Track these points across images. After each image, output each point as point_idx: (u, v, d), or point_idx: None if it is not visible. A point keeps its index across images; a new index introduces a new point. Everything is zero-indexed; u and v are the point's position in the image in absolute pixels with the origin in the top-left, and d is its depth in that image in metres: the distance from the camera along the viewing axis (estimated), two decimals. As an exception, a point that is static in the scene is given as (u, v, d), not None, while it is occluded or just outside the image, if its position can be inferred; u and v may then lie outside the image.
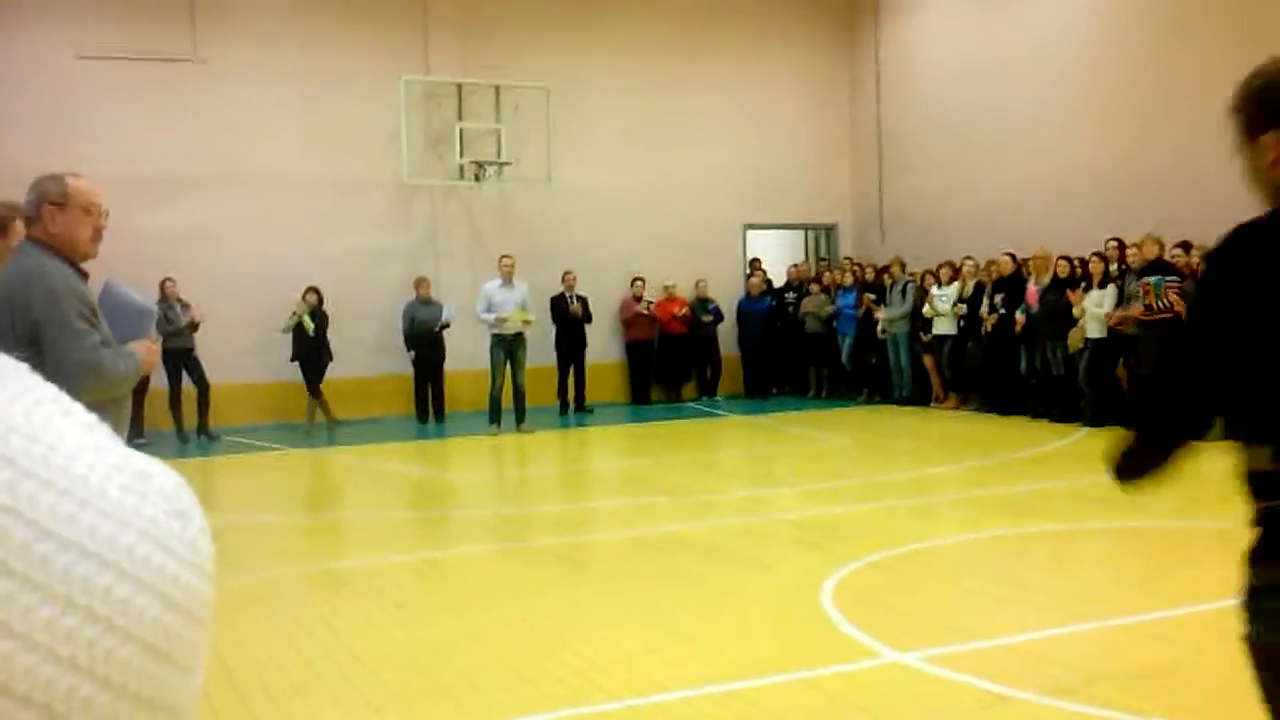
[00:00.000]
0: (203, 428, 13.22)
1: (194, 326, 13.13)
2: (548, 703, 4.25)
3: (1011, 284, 13.01)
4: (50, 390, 0.51)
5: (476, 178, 15.08)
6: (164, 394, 12.93)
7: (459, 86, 15.25)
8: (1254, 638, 1.92)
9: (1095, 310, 11.77)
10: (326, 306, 13.93)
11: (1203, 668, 4.49)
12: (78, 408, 0.51)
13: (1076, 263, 12.34)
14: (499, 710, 4.18)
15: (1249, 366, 1.94)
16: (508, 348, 12.99)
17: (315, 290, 13.79)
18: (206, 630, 0.52)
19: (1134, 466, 2.12)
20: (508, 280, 13.01)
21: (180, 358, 13.03)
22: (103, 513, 0.49)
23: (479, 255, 15.42)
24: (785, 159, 17.47)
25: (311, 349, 13.69)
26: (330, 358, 13.85)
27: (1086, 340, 11.92)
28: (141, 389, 11.94)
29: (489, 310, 12.86)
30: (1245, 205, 2.07)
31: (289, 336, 13.65)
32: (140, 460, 0.52)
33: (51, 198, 3.56)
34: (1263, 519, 1.93)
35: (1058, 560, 6.64)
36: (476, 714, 4.15)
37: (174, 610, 0.49)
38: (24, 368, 0.51)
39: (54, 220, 3.54)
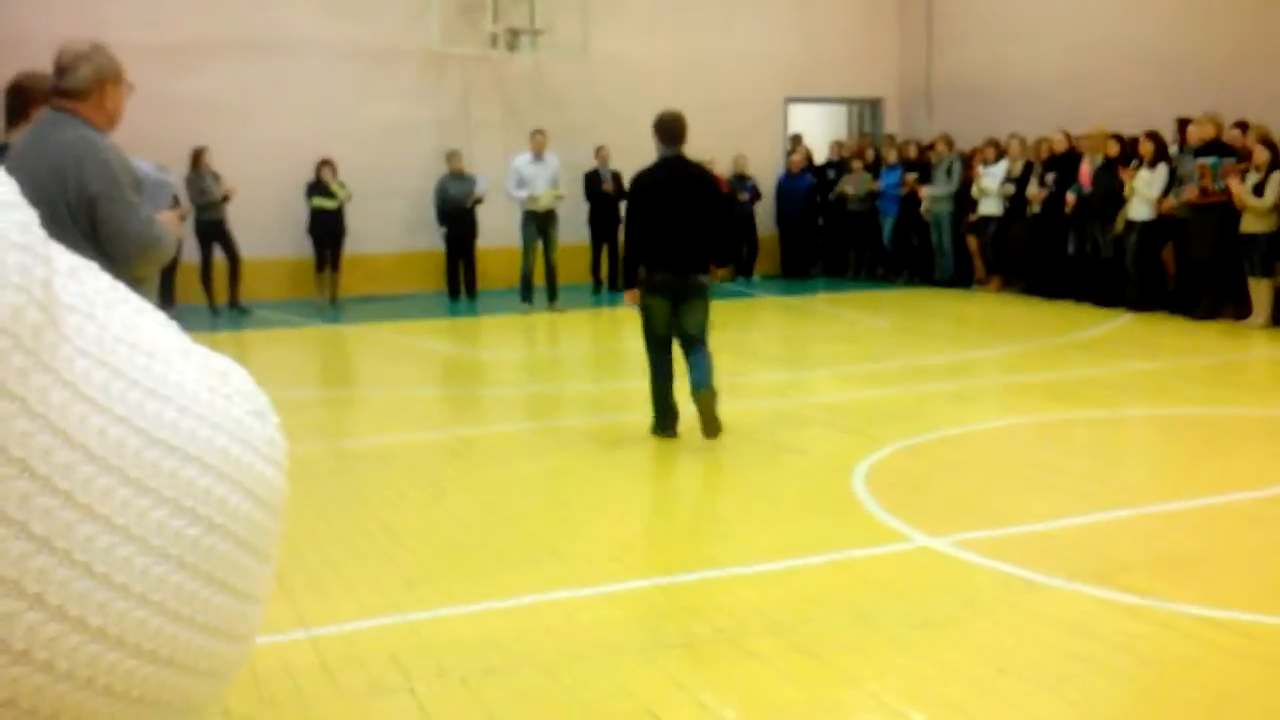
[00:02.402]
0: (234, 301, 13.39)
1: (226, 199, 13.21)
2: (578, 579, 4.39)
3: (1063, 163, 12.80)
4: (123, 289, 0.56)
5: (510, 47, 14.87)
6: (194, 267, 13.06)
7: (491, -50, 14.95)
8: None
9: (1145, 191, 11.58)
10: (356, 181, 13.96)
11: (1237, 556, 4.56)
12: (148, 306, 0.56)
13: (1130, 142, 12.10)
14: (530, 586, 4.32)
15: None
16: (539, 224, 12.99)
17: (329, 163, 13.80)
18: (283, 521, 0.58)
19: None
20: (539, 155, 12.94)
21: (212, 229, 13.14)
22: (199, 417, 0.53)
23: (512, 128, 15.29)
24: (830, 29, 17.09)
25: (331, 224, 13.79)
26: (345, 232, 13.95)
27: (1129, 222, 11.76)
28: (173, 262, 12.07)
29: (520, 186, 12.83)
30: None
31: (307, 212, 13.75)
32: (217, 360, 0.57)
33: (113, 75, 3.56)
34: None
35: (1096, 447, 6.69)
36: (508, 590, 4.29)
37: (261, 506, 0.55)
38: (94, 267, 0.56)
39: (112, 98, 3.55)
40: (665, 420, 6.87)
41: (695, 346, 6.63)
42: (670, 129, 6.62)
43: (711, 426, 6.48)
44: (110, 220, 3.37)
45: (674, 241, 6.52)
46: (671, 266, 6.55)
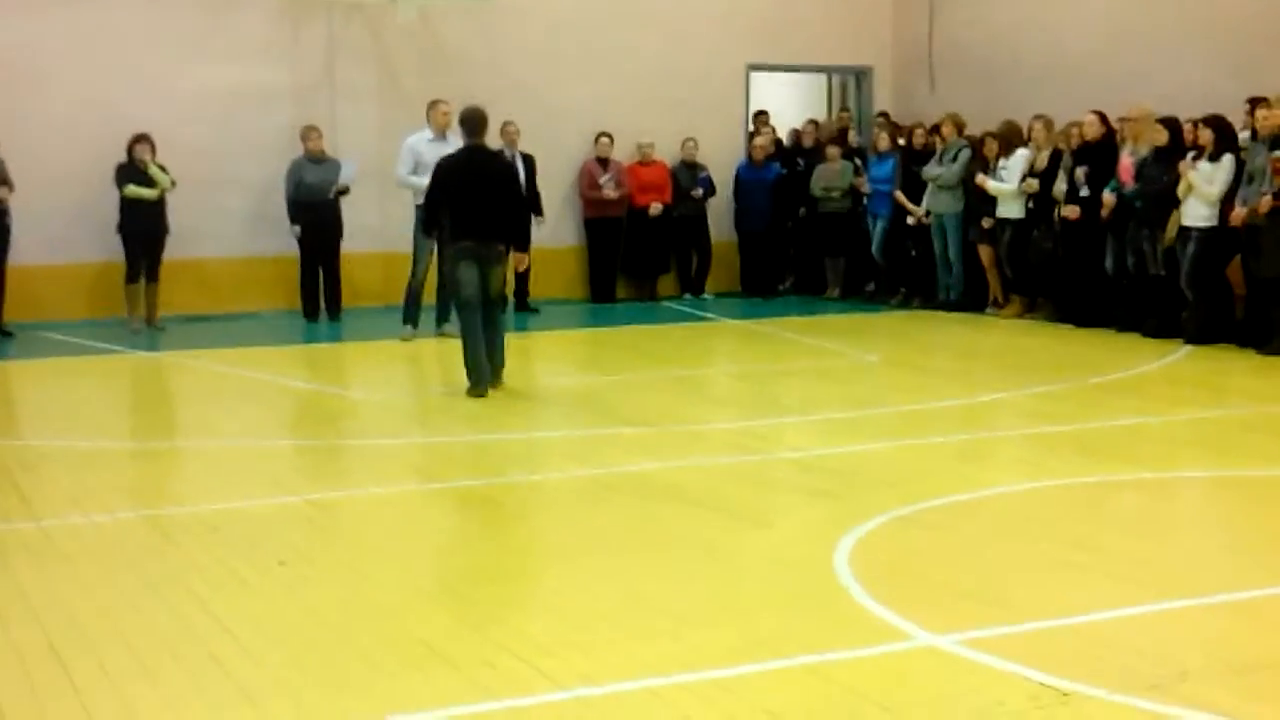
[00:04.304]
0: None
1: (6, 185, 12.98)
2: (475, 692, 4.33)
3: (1099, 153, 13.01)
4: None
5: (389, -8, 14.89)
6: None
7: None
8: None
9: (1205, 191, 11.82)
10: (181, 165, 13.81)
11: (1324, 660, 4.61)
12: None
13: (1185, 128, 12.32)
14: (411, 700, 4.25)
15: None
16: (438, 225, 13.00)
17: (147, 139, 13.64)
18: None
19: None
20: (441, 134, 12.85)
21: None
22: None
23: (391, 97, 15.26)
24: (804, -22, 17.30)
25: (149, 220, 13.62)
26: (168, 232, 13.81)
27: (1183, 230, 11.97)
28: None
29: (417, 173, 12.70)
30: None
31: (116, 204, 13.58)
32: None
33: None
34: None
35: (1143, 518, 6.75)
36: (382, 705, 4.22)
37: None
38: None
39: None
40: (480, 379, 9.87)
41: (496, 309, 10.25)
42: (472, 124, 10.10)
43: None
44: None
45: (476, 216, 9.91)
46: (475, 235, 9.93)
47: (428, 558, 6.10)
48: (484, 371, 9.89)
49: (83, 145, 13.93)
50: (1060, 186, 13.33)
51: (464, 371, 9.96)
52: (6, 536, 6.22)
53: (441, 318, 12.88)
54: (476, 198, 9.87)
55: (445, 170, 10.10)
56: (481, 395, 9.79)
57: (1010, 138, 14.09)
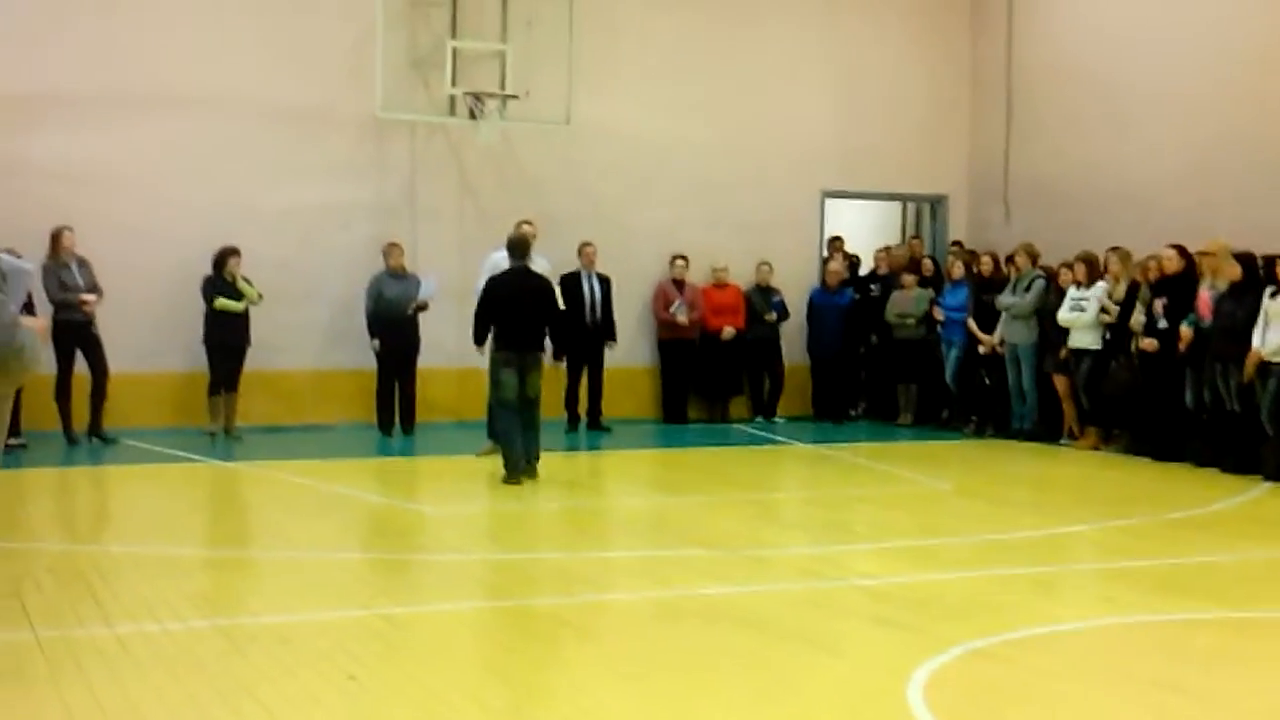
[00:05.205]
0: (95, 428, 13.33)
1: (94, 294, 13.22)
2: (542, 816, 4.27)
3: (1178, 286, 12.94)
4: None
5: (472, 114, 15.13)
6: (48, 381, 13.00)
7: (454, -9, 15.33)
8: None
9: (1284, 326, 11.72)
10: (265, 278, 14.04)
11: None
12: None
13: (1262, 262, 12.25)
14: (478, 822, 4.20)
15: None
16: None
17: (236, 253, 13.90)
18: None
19: None
20: (526, 252, 12.98)
21: (76, 334, 13.14)
22: None
23: (470, 216, 15.49)
24: (881, 108, 17.46)
25: (234, 332, 13.85)
26: (250, 343, 14.05)
27: (1264, 364, 11.82)
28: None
29: None
30: None
31: (201, 314, 13.83)
32: None
33: None
34: None
35: (1225, 658, 6.61)
36: (448, 826, 4.17)
37: None
38: None
39: None
40: (515, 468, 11.17)
41: (532, 408, 11.44)
42: (516, 249, 11.67)
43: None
44: None
45: (517, 329, 11.36)
46: (516, 346, 11.33)
47: (496, 676, 6.06)
48: (519, 464, 11.20)
49: (169, 256, 14.20)
50: (1138, 318, 13.25)
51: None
52: (82, 642, 6.25)
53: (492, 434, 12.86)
54: (518, 313, 11.32)
55: (493, 288, 11.53)
56: (516, 483, 11.12)
57: (1090, 268, 14.05)
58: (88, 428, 13.35)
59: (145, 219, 14.24)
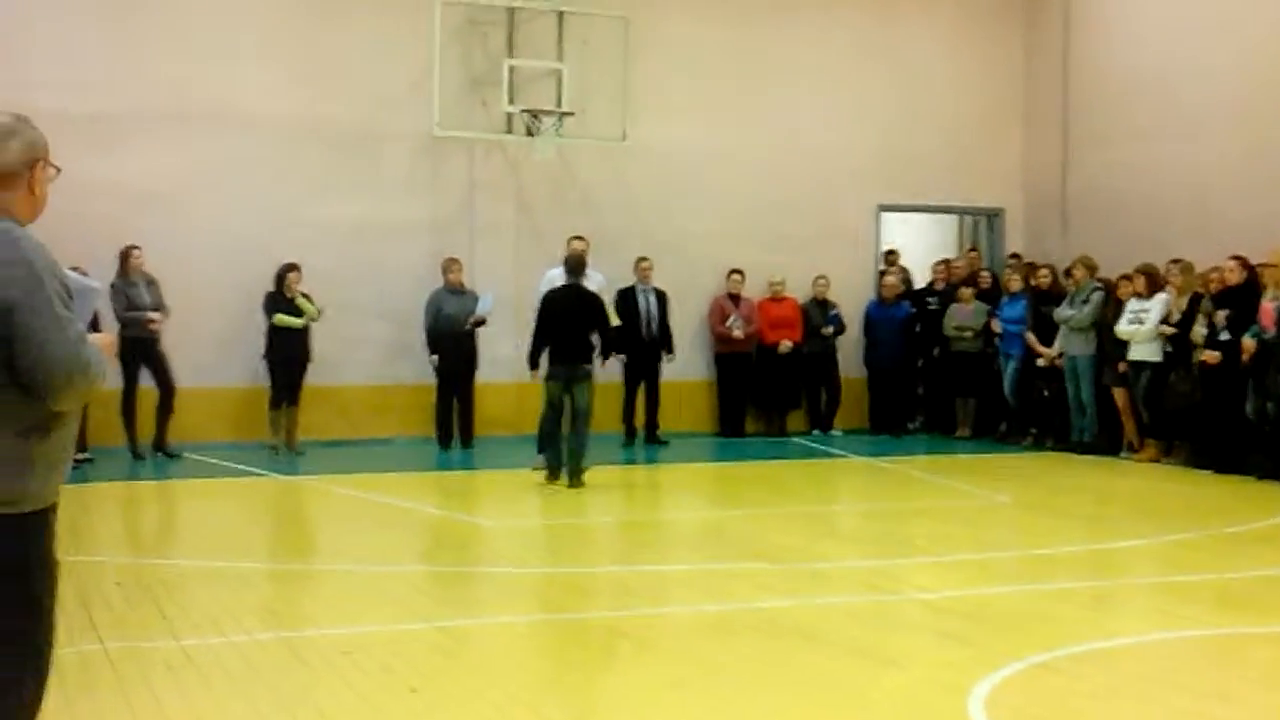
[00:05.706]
0: (161, 443, 13.50)
1: (160, 311, 13.37)
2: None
3: (1240, 298, 12.82)
4: None
5: (529, 132, 15.23)
6: (114, 396, 13.16)
7: (511, 12, 15.42)
8: None
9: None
10: (325, 294, 14.16)
11: None
12: None
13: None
14: (538, 833, 4.23)
15: None
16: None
17: (297, 269, 14.03)
18: None
19: None
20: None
21: (140, 350, 13.29)
22: None
23: (526, 232, 15.56)
24: (936, 121, 17.39)
25: (295, 347, 13.99)
26: (310, 359, 14.17)
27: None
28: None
29: None
30: None
31: (262, 330, 13.98)
32: None
33: (45, 152, 3.62)
34: None
35: (1286, 673, 6.55)
36: (509, 836, 4.20)
37: None
38: None
39: (41, 181, 3.62)
40: (554, 472, 11.79)
41: (580, 421, 11.76)
42: (573, 266, 12.12)
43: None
44: (31, 336, 3.37)
45: (567, 344, 11.79)
46: (566, 361, 11.77)
47: (555, 689, 6.09)
48: (558, 467, 11.78)
49: (231, 273, 14.34)
50: (1199, 330, 13.14)
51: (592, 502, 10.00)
52: (148, 654, 6.34)
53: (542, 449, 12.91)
54: (565, 328, 11.77)
55: (544, 305, 12.05)
56: (554, 482, 11.76)
57: (1150, 280, 13.95)
58: (153, 442, 13.51)
59: (209, 237, 14.40)
